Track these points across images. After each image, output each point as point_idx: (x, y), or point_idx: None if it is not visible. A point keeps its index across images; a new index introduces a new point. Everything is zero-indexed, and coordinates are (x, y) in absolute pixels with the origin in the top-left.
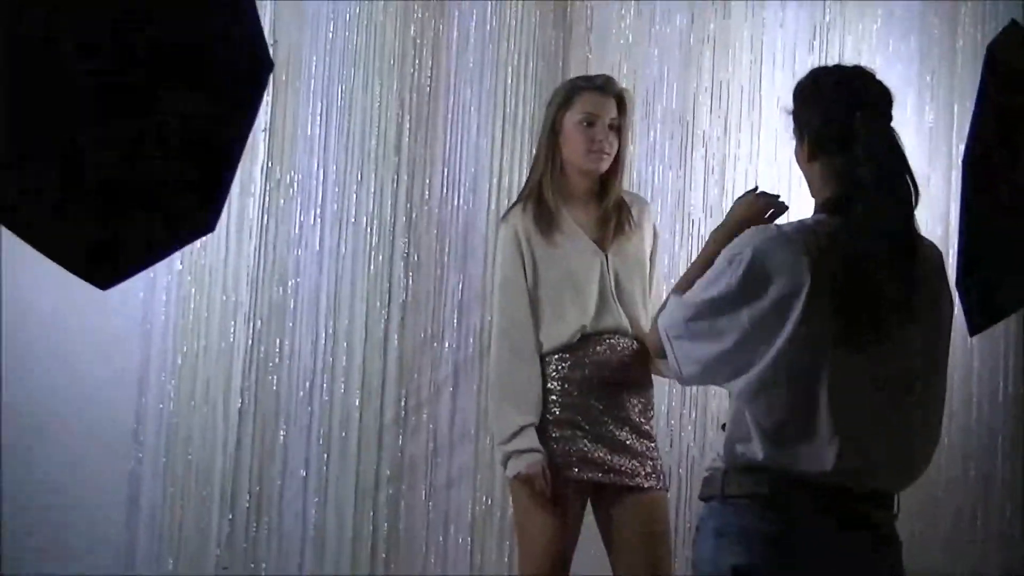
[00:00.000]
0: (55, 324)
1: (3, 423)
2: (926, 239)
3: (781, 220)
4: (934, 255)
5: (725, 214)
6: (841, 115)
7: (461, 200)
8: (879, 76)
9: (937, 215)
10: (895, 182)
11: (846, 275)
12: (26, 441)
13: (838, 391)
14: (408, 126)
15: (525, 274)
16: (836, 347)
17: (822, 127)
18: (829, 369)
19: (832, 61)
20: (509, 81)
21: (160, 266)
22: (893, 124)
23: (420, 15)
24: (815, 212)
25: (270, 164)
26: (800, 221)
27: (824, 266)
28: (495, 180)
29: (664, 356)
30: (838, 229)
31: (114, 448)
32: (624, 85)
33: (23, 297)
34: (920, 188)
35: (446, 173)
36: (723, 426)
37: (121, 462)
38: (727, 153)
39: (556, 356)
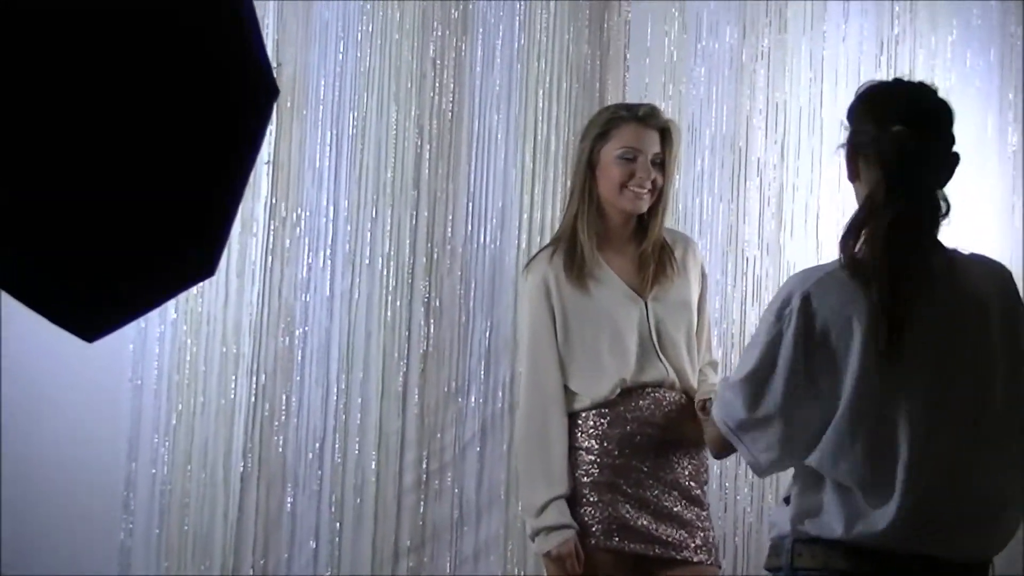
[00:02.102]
0: (35, 381)
1: None
2: (987, 259)
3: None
4: (988, 273)
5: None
6: (873, 130)
7: (488, 238)
8: (950, 94)
9: None
10: (920, 201)
11: (881, 303)
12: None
13: (915, 441)
14: (428, 156)
15: (555, 330)
16: (902, 388)
17: (859, 143)
18: (904, 414)
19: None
20: (540, 105)
21: (152, 315)
22: (958, 146)
23: (440, 33)
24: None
25: (274, 200)
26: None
27: (874, 299)
28: (525, 216)
29: (723, 453)
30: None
31: (101, 519)
32: (669, 110)
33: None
34: (996, 215)
35: (471, 208)
36: (785, 500)
37: (109, 534)
38: (784, 182)
39: (593, 412)
